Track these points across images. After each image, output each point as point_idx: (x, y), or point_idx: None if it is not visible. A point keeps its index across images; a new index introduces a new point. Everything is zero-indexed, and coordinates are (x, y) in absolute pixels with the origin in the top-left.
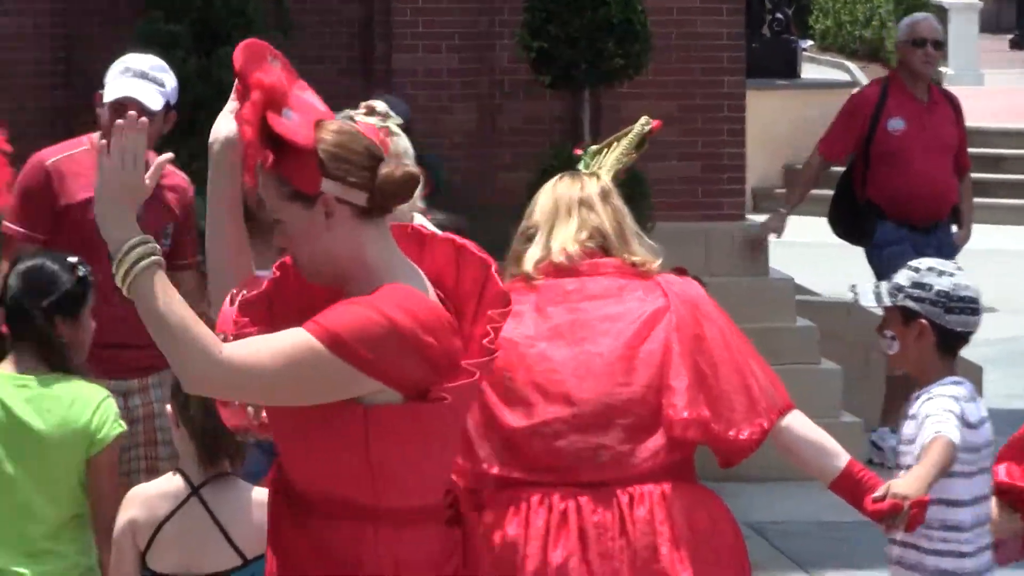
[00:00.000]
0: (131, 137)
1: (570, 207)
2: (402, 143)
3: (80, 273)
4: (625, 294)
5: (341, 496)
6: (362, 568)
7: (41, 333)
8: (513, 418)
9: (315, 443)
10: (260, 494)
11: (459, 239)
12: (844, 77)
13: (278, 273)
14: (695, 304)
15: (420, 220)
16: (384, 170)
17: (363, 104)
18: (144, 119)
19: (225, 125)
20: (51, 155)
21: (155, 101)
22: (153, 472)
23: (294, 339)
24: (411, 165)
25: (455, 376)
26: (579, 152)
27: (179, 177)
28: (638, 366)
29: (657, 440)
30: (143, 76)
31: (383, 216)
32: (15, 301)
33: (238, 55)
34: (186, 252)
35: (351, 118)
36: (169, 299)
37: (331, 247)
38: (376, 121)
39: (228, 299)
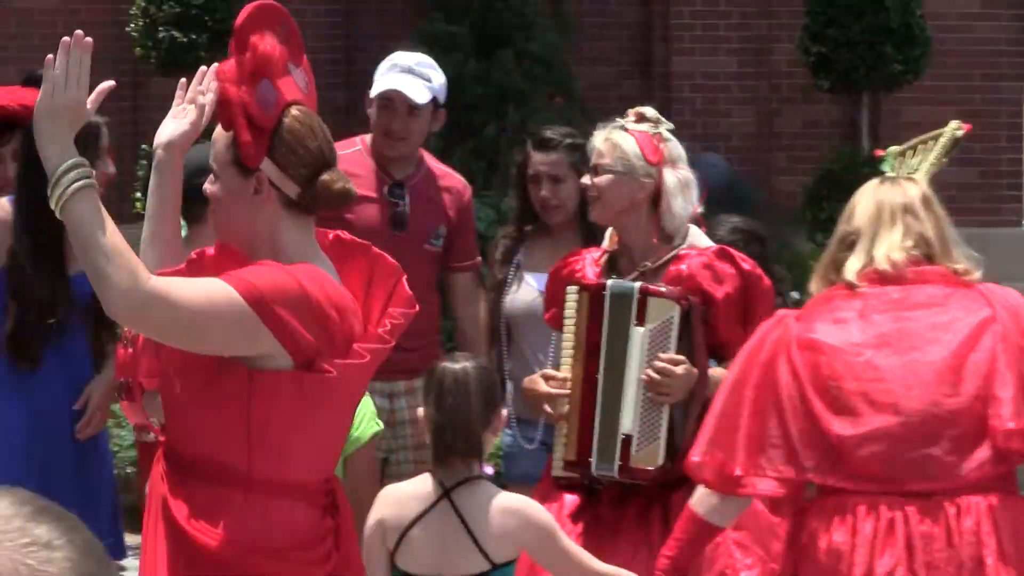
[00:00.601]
0: (76, 55)
1: (894, 213)
2: (676, 149)
3: None
4: (951, 303)
5: (218, 460)
6: (225, 534)
7: None
8: (840, 427)
9: (198, 405)
10: (508, 499)
11: (374, 249)
12: None
13: (194, 255)
14: (1018, 313)
15: (695, 231)
16: (324, 176)
17: (632, 111)
18: (89, 39)
19: (170, 129)
20: None
21: (421, 95)
22: None
23: (214, 284)
24: (350, 184)
25: (347, 356)
26: (880, 154)
27: (455, 179)
28: (966, 376)
29: (983, 451)
30: (410, 71)
31: (309, 214)
32: None
33: (245, 12)
34: (463, 254)
35: (623, 127)
36: (102, 222)
37: (251, 220)
38: (648, 127)
39: None
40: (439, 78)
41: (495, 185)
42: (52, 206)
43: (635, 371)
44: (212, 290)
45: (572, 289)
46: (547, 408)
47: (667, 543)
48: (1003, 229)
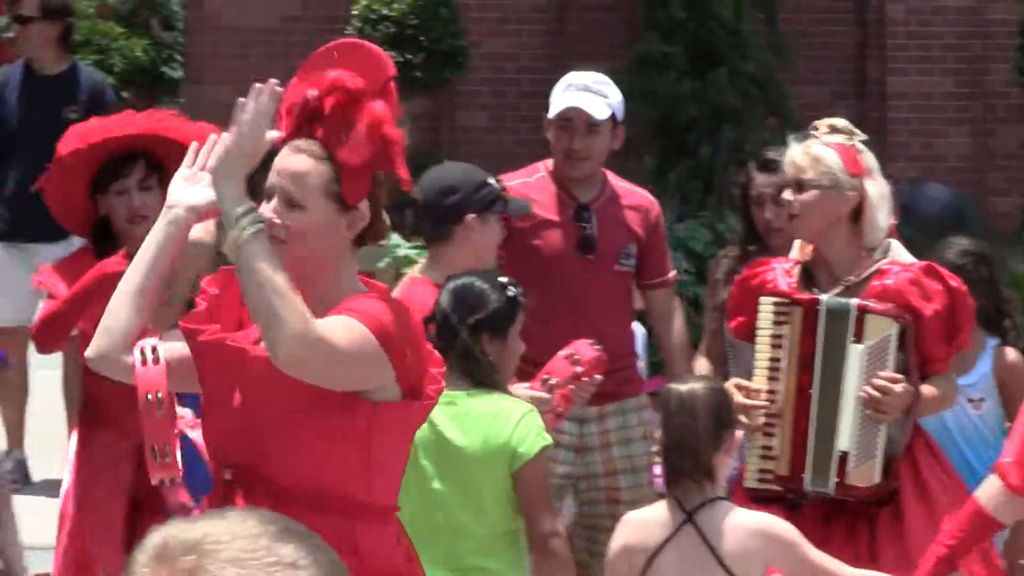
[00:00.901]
0: (264, 101)
1: None
2: (872, 160)
3: (510, 293)
4: None
5: (334, 491)
6: (365, 564)
7: (466, 349)
8: None
9: (307, 436)
10: (750, 518)
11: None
12: None
13: (216, 288)
14: None
15: (895, 245)
16: (385, 214)
17: (824, 123)
18: (279, 89)
19: (200, 196)
20: (508, 180)
21: (601, 111)
22: (615, 503)
23: (352, 323)
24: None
25: (432, 380)
26: None
27: (641, 196)
28: None
29: None
30: (586, 89)
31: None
32: (443, 317)
33: (389, 59)
34: (657, 270)
35: (815, 136)
36: (275, 266)
37: (328, 252)
38: (843, 139)
39: (139, 358)
40: (616, 95)
41: (710, 205)
42: (228, 246)
43: (852, 388)
44: (353, 329)
45: (767, 300)
46: (742, 419)
47: (946, 533)
48: None
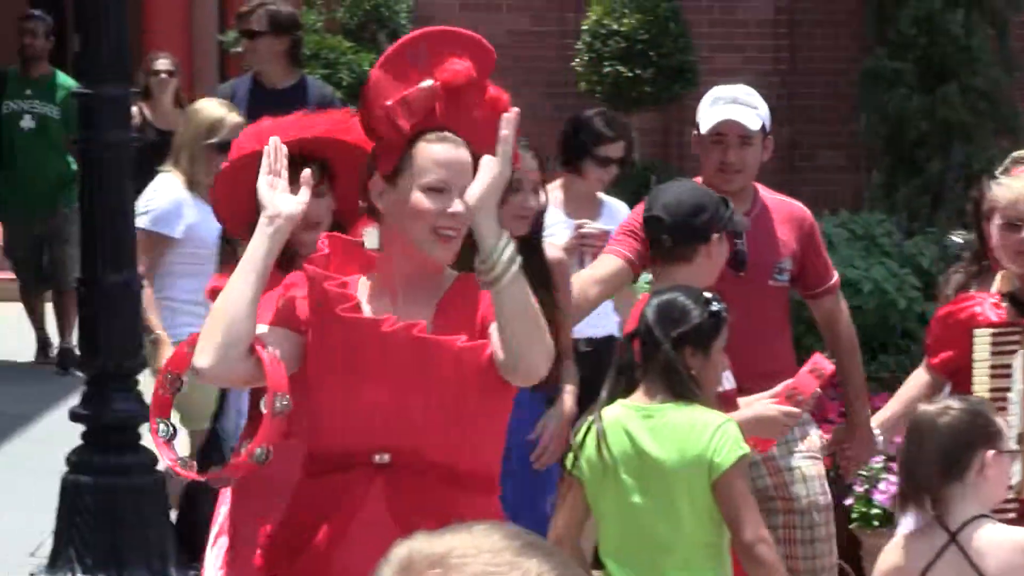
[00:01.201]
0: (510, 135)
1: None
2: None
3: (713, 308)
4: None
5: (482, 469)
6: None
7: (668, 363)
8: None
9: (475, 418)
10: (1013, 534)
11: None
12: None
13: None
14: None
15: None
16: None
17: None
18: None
19: (287, 202)
20: None
21: (754, 123)
22: (789, 513)
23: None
24: None
25: None
26: None
27: (792, 206)
28: None
29: None
30: (735, 102)
31: None
32: (647, 331)
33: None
34: (818, 279)
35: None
36: (529, 290)
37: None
38: None
39: (268, 359)
40: (764, 106)
41: (938, 221)
42: (489, 274)
43: None
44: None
45: (983, 333)
46: None
47: None
48: None
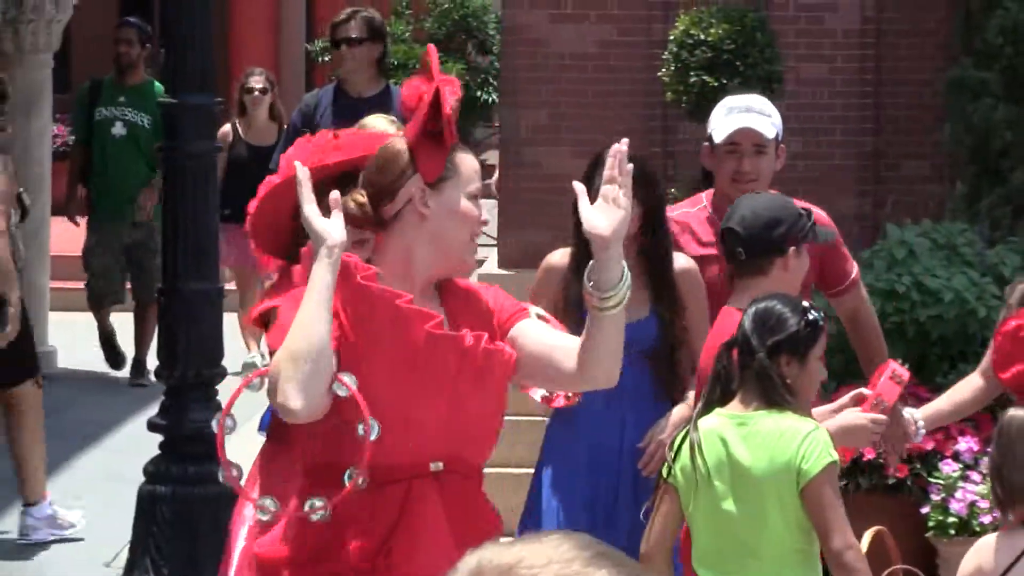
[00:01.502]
0: (624, 179)
1: None
2: None
3: (811, 317)
4: None
5: (482, 463)
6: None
7: (763, 370)
8: None
9: (499, 419)
10: None
11: None
12: None
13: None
14: None
15: None
16: None
17: None
18: (629, 167)
19: (339, 229)
20: (671, 211)
21: (768, 131)
22: None
23: None
24: None
25: None
26: None
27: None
28: None
29: None
30: (749, 110)
31: None
32: (744, 339)
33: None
34: (837, 279)
35: None
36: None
37: None
38: None
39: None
40: (776, 115)
41: (1020, 231)
42: (601, 303)
43: None
44: None
45: None
46: None
47: None
48: None
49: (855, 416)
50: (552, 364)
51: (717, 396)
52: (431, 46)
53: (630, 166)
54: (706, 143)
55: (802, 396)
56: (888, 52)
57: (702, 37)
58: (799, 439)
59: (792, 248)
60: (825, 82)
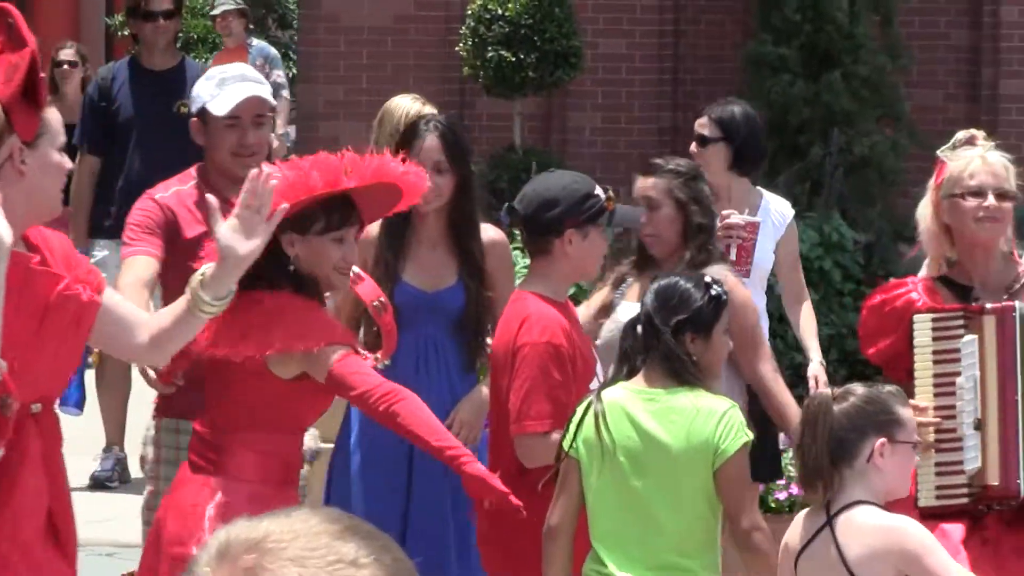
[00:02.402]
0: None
1: None
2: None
3: (714, 292)
4: None
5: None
6: None
7: (670, 349)
8: None
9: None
10: (880, 520)
11: None
12: None
13: None
14: None
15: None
16: None
17: (970, 134)
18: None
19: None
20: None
21: (270, 99)
22: None
23: None
24: None
25: None
26: None
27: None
28: None
29: None
30: (244, 79)
31: None
32: (647, 318)
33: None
34: None
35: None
36: None
37: None
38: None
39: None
40: (267, 82)
41: (818, 206)
42: (206, 307)
43: None
44: None
45: (924, 318)
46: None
47: None
48: None
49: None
50: (124, 332)
51: (624, 373)
52: (7, 6)
53: (273, 183)
54: (195, 118)
55: (709, 372)
56: (687, 28)
57: (500, 12)
58: (716, 418)
59: (571, 230)
60: (624, 57)
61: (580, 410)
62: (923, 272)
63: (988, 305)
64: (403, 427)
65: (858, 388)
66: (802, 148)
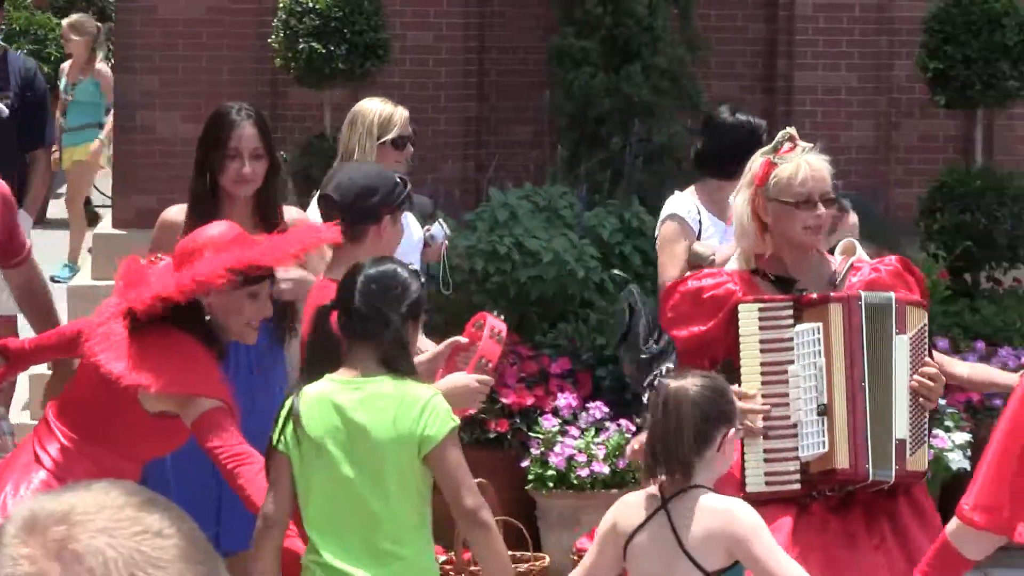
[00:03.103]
0: None
1: None
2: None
3: (422, 280)
4: None
5: None
6: None
7: (397, 337)
8: None
9: None
10: (714, 502)
11: None
12: None
13: None
14: None
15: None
16: None
17: (790, 135)
18: None
19: None
20: None
21: None
22: None
23: None
24: None
25: None
26: None
27: None
28: None
29: None
30: None
31: None
32: (368, 305)
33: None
34: (19, 248)
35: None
36: None
37: None
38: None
39: None
40: None
41: (619, 194)
42: None
43: (902, 378)
44: None
45: (750, 308)
46: (745, 423)
47: (921, 566)
48: None
49: (462, 378)
50: None
51: (319, 360)
52: None
53: None
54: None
55: (412, 359)
56: (492, 21)
57: (311, 5)
58: (420, 406)
59: (388, 216)
60: (431, 49)
61: (287, 404)
62: (733, 265)
63: (832, 294)
64: (241, 488)
65: (699, 376)
66: (603, 137)
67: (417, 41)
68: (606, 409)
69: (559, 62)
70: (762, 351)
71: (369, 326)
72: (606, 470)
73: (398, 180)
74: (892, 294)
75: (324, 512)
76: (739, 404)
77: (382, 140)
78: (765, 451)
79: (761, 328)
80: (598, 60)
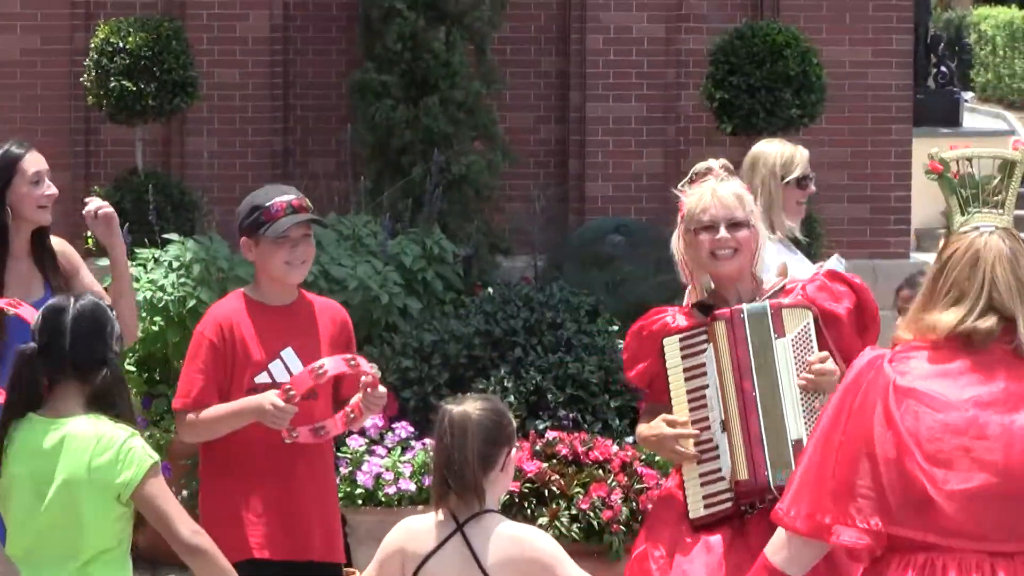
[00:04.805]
0: None
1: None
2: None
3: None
4: None
5: None
6: None
7: (116, 374)
8: (936, 480)
9: None
10: (513, 529)
11: None
12: (1003, 126)
13: None
14: None
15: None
16: None
17: (722, 164)
18: None
19: None
20: None
21: None
22: None
23: None
24: None
25: None
26: (938, 168)
27: None
28: None
29: None
30: None
31: None
32: (81, 342)
33: None
34: None
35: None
36: None
37: None
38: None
39: None
40: None
41: (419, 222)
42: None
43: (788, 379)
44: None
45: (671, 340)
46: (678, 449)
47: None
48: (892, 261)
49: (264, 399)
50: None
51: (24, 399)
52: None
53: None
54: None
55: (126, 396)
56: (296, 58)
57: (121, 45)
58: (116, 447)
59: (244, 239)
60: (238, 86)
61: None
62: (686, 300)
63: (716, 311)
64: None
65: (478, 400)
66: (405, 168)
67: (224, 78)
68: (411, 429)
69: (361, 95)
70: (686, 379)
71: (85, 361)
72: (412, 487)
73: (260, 204)
74: (767, 302)
75: (23, 546)
76: (670, 431)
77: (786, 180)
78: (700, 475)
79: (683, 358)
80: (399, 93)
